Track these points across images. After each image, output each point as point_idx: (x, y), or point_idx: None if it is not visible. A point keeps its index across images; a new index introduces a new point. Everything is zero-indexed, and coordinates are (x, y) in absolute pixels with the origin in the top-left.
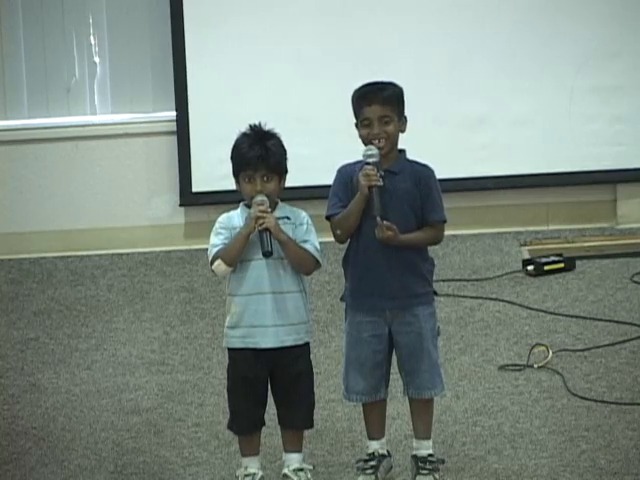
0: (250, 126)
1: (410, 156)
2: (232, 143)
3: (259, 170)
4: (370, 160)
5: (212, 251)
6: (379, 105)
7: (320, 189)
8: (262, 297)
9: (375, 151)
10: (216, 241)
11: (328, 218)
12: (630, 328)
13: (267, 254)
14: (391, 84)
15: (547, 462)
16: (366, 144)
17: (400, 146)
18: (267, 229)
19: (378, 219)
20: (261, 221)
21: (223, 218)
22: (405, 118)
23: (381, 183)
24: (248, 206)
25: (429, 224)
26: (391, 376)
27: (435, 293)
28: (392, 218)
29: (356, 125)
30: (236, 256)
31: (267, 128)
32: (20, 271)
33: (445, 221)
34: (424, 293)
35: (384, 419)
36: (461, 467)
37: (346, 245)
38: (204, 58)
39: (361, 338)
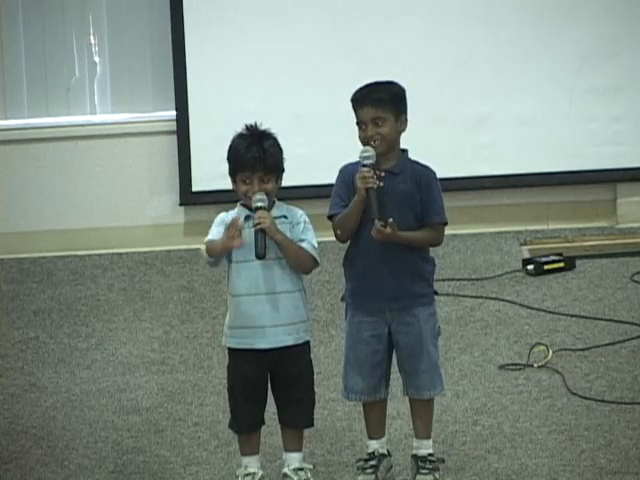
0: (246, 126)
1: (411, 155)
2: None
3: (256, 172)
4: (366, 162)
5: (205, 241)
6: (370, 107)
7: (319, 188)
8: (259, 298)
9: (371, 152)
10: (210, 236)
11: (330, 218)
12: (630, 327)
13: (259, 256)
14: (389, 84)
15: (547, 461)
16: (364, 145)
17: (401, 146)
18: (262, 230)
19: (375, 221)
20: (257, 221)
21: (223, 215)
22: (405, 118)
23: (376, 185)
24: (245, 206)
25: (429, 225)
26: (391, 375)
27: (436, 293)
28: (392, 219)
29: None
30: (215, 255)
31: (263, 128)
32: (20, 271)
33: (446, 223)
34: (424, 294)
35: (384, 419)
36: (461, 466)
37: (346, 245)
38: (204, 58)
39: (361, 338)
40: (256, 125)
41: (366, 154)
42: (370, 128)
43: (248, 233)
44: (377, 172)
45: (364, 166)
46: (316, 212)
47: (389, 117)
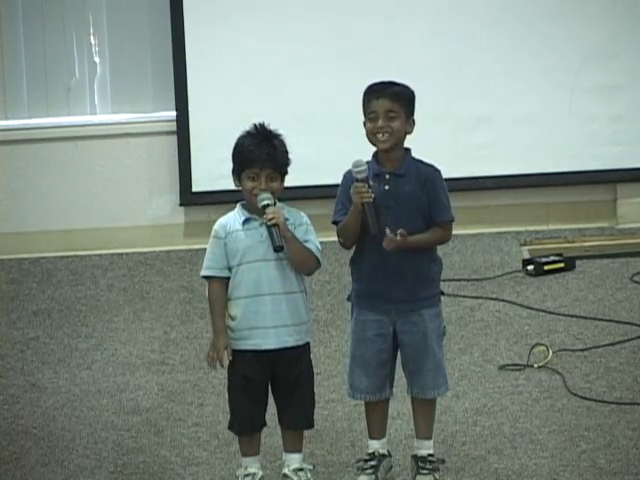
0: (255, 125)
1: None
2: (232, 142)
3: (265, 169)
4: (359, 176)
5: (204, 267)
6: (387, 99)
7: (319, 189)
8: (261, 299)
9: (363, 166)
10: (208, 258)
11: (335, 223)
12: (630, 328)
13: (278, 248)
14: (404, 85)
15: (547, 462)
16: (370, 139)
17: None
18: (276, 224)
19: (387, 231)
20: (270, 216)
21: (218, 226)
22: (413, 120)
23: (372, 198)
24: (245, 207)
25: (437, 224)
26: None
27: (442, 293)
28: (399, 221)
29: (364, 124)
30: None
31: (271, 128)
32: (20, 271)
33: (453, 220)
34: (431, 295)
35: (386, 419)
36: (461, 467)
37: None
38: (204, 58)
39: (366, 336)
40: (264, 124)
41: (358, 168)
42: (382, 119)
43: (251, 234)
44: (370, 182)
45: (357, 180)
46: (316, 212)
47: (401, 114)
